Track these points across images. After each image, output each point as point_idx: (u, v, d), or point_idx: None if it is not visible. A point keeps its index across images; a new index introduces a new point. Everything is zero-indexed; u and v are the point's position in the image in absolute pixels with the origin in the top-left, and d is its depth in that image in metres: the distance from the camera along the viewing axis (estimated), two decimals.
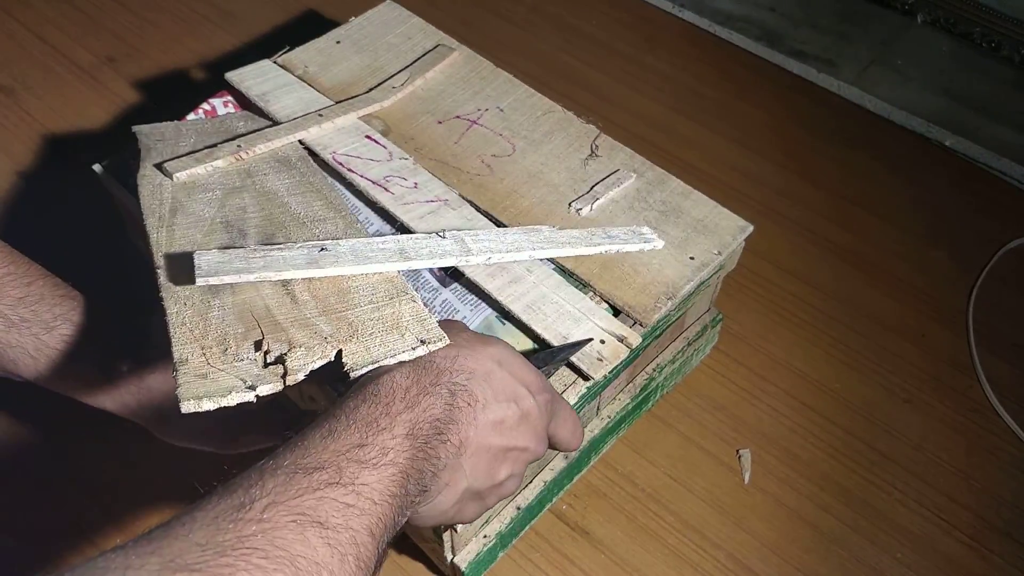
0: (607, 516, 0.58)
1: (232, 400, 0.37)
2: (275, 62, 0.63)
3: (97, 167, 0.58)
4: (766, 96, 0.89)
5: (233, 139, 0.55)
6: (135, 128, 0.55)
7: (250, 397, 0.37)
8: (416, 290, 0.53)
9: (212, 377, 0.38)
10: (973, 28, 0.93)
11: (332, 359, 0.40)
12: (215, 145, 0.54)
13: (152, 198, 0.50)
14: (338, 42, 0.66)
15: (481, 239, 0.50)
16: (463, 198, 0.55)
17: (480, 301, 0.50)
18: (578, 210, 0.55)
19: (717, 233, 0.54)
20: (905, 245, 0.76)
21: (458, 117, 0.60)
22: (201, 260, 0.43)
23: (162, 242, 0.46)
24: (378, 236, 0.48)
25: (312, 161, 0.55)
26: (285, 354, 0.39)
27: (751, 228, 0.55)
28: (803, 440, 0.63)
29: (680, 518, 0.58)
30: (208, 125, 0.57)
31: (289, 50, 0.65)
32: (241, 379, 0.38)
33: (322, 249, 0.45)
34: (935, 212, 0.79)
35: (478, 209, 0.54)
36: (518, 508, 0.52)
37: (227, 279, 0.42)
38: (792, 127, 0.86)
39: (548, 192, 0.56)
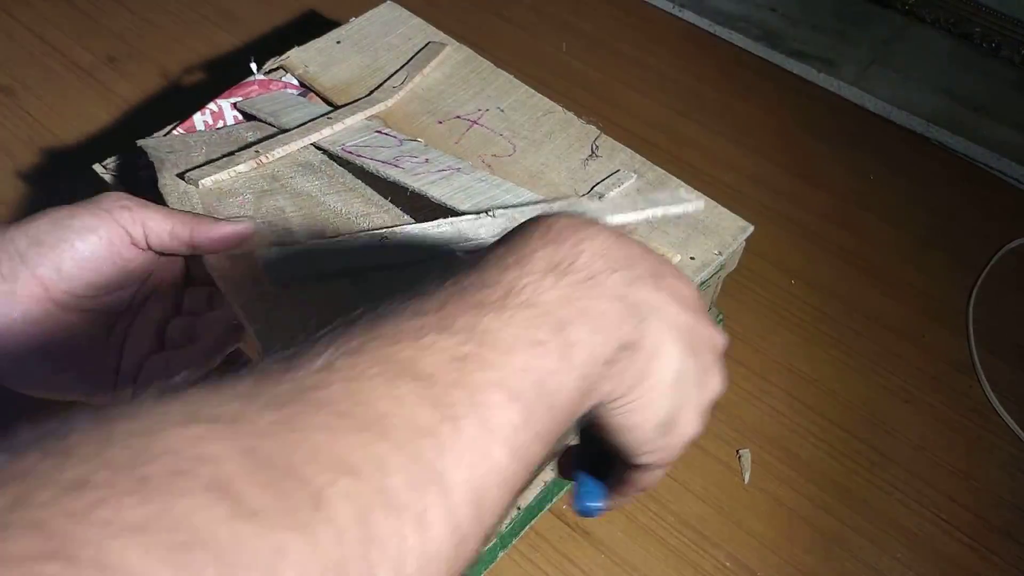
0: (607, 516, 0.58)
1: None
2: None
3: (97, 167, 0.58)
4: (766, 96, 0.89)
5: (247, 147, 0.55)
6: (141, 143, 0.55)
7: None
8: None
9: None
10: (973, 28, 0.93)
11: None
12: (232, 153, 0.54)
13: (181, 205, 0.50)
14: (338, 42, 0.66)
15: (528, 214, 0.50)
16: (476, 168, 0.56)
17: None
18: None
19: (717, 233, 0.54)
20: (905, 245, 0.76)
21: (458, 117, 0.60)
22: (267, 262, 0.46)
23: None
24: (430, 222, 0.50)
25: (336, 164, 0.55)
26: None
27: (751, 228, 0.55)
28: (803, 440, 0.63)
29: (680, 518, 0.58)
30: (215, 136, 0.57)
31: (287, 57, 0.65)
32: None
33: (383, 239, 0.48)
34: (935, 212, 0.79)
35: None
36: (518, 508, 0.52)
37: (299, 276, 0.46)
38: (792, 127, 0.86)
39: (549, 192, 0.56)
